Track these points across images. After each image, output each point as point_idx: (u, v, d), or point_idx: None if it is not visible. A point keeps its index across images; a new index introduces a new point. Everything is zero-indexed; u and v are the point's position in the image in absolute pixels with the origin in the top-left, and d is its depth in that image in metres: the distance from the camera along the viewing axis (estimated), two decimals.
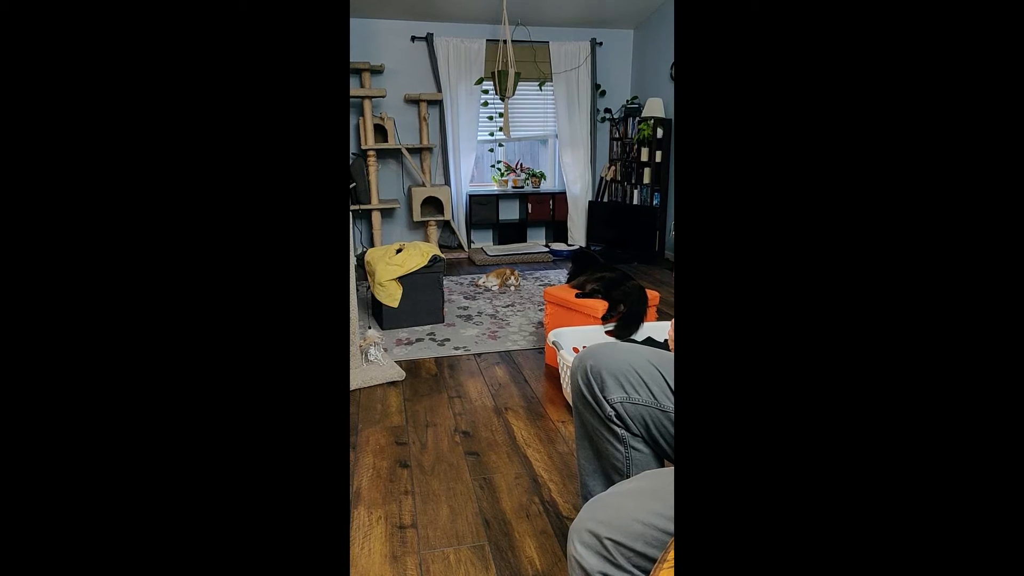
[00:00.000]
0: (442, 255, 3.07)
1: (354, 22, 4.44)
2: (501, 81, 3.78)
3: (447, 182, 4.77)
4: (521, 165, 5.21)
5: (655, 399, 1.00)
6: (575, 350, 2.13)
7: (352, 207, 4.33)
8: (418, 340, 2.80)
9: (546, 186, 5.24)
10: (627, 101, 4.95)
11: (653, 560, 0.69)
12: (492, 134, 4.93)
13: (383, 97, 4.39)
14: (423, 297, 2.98)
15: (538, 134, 5.16)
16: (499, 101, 4.28)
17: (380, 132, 4.39)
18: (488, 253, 4.74)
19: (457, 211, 4.84)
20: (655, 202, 4.59)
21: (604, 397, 1.02)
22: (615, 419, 1.02)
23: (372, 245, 4.53)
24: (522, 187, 5.14)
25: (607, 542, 0.71)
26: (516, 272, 3.83)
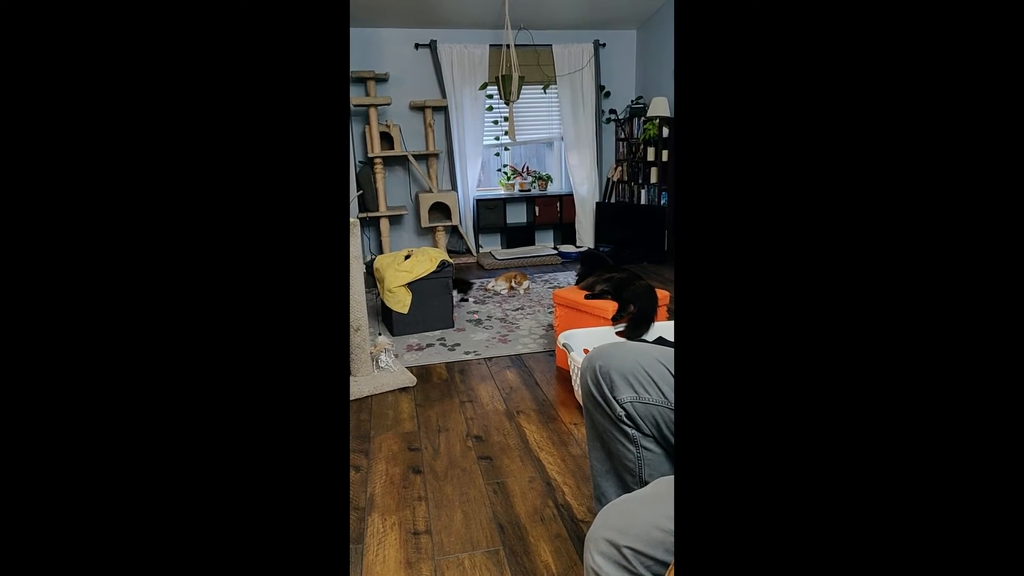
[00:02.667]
0: (451, 260, 3.07)
1: (358, 31, 4.47)
2: (505, 85, 3.78)
3: (454, 187, 4.78)
4: (527, 168, 5.21)
5: (665, 398, 0.99)
6: (585, 352, 2.12)
7: (360, 215, 4.35)
8: (428, 345, 2.81)
9: (553, 188, 5.24)
10: (632, 101, 4.94)
11: None
12: (498, 138, 4.94)
13: (388, 105, 4.42)
14: (433, 303, 2.99)
15: (543, 137, 5.17)
16: (504, 105, 4.29)
17: (386, 139, 4.41)
18: (497, 257, 4.74)
19: (465, 216, 4.85)
20: (663, 201, 4.57)
21: (614, 397, 1.01)
22: (626, 419, 1.01)
23: (381, 252, 4.55)
24: (529, 190, 5.14)
25: (626, 551, 0.69)
26: (525, 275, 3.83)
